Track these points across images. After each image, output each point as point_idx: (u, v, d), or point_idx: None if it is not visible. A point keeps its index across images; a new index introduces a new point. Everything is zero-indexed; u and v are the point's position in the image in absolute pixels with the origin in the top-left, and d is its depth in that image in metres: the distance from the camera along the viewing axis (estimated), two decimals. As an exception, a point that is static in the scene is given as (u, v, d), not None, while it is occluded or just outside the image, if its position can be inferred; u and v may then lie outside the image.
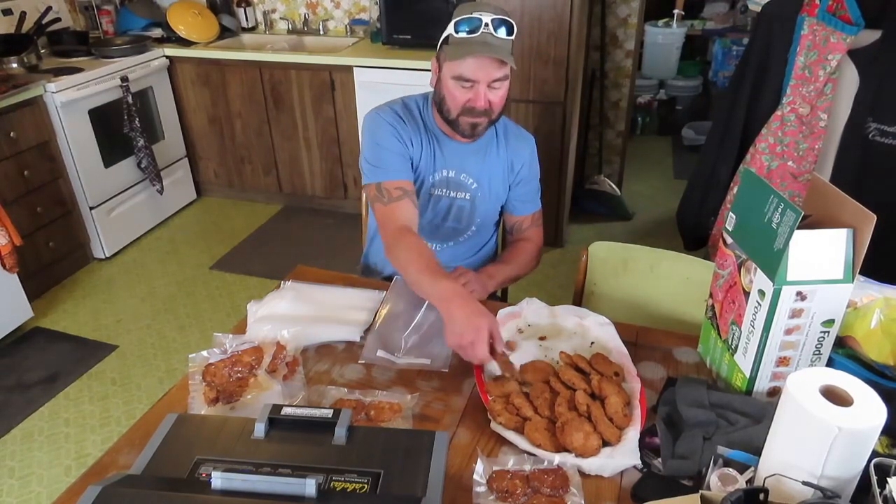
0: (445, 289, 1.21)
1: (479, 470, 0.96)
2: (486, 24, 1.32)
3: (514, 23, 1.36)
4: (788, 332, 1.02)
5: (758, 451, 0.88)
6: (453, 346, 1.17)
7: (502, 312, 1.31)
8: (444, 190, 1.56)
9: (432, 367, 1.22)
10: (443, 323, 1.19)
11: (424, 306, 1.32)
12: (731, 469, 0.89)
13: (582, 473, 0.97)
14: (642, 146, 4.65)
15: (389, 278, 1.51)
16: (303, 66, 3.27)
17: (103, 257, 3.26)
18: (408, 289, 1.34)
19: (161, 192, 3.47)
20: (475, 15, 1.33)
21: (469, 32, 1.33)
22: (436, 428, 1.08)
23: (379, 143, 1.47)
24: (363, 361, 1.24)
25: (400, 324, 1.31)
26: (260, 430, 0.87)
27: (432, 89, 1.48)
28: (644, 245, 1.64)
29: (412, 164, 1.51)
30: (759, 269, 1.01)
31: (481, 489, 0.93)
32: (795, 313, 1.00)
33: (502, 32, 1.33)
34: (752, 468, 0.89)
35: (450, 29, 1.36)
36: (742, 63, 1.98)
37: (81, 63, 3.13)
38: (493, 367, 1.18)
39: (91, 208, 3.12)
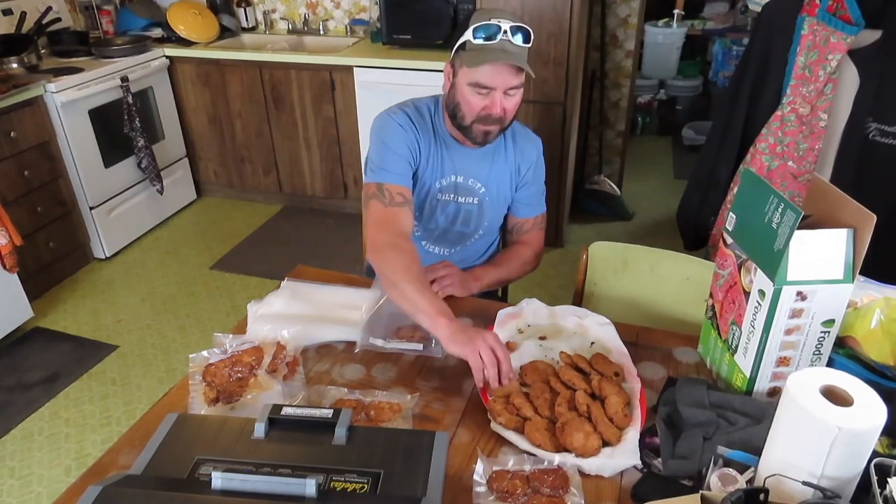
0: (433, 305, 1.20)
1: (479, 470, 0.96)
2: (505, 32, 1.32)
3: (531, 31, 1.35)
4: (788, 332, 1.02)
5: (758, 451, 0.88)
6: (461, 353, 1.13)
7: (502, 313, 1.31)
8: (452, 195, 1.55)
9: (425, 353, 1.26)
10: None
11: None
12: (731, 469, 0.89)
13: (582, 473, 0.97)
14: (642, 146, 4.65)
15: None
16: (303, 66, 3.27)
17: (103, 257, 3.26)
18: None
19: (161, 192, 3.47)
20: (494, 21, 1.33)
21: (487, 39, 1.33)
22: (436, 428, 1.08)
23: (387, 144, 1.45)
24: (358, 350, 1.26)
25: (384, 313, 1.35)
26: (260, 430, 0.87)
27: (444, 93, 1.48)
28: (644, 245, 1.64)
29: (416, 171, 1.50)
30: (759, 269, 1.01)
31: (481, 489, 0.93)
32: (795, 313, 1.00)
33: (519, 40, 1.33)
34: (752, 468, 0.89)
35: (467, 35, 1.35)
36: (742, 63, 1.98)
37: (81, 63, 3.13)
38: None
39: (91, 208, 3.12)
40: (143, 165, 3.33)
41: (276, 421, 0.89)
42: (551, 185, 3.06)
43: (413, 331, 1.31)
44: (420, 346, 1.27)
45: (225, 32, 3.67)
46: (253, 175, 3.74)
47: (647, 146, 4.69)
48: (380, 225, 1.39)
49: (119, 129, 3.18)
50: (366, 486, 0.79)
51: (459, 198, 1.55)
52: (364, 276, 1.74)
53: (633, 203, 3.73)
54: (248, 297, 2.74)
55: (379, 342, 1.28)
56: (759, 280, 1.01)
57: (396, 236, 1.35)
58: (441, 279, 1.39)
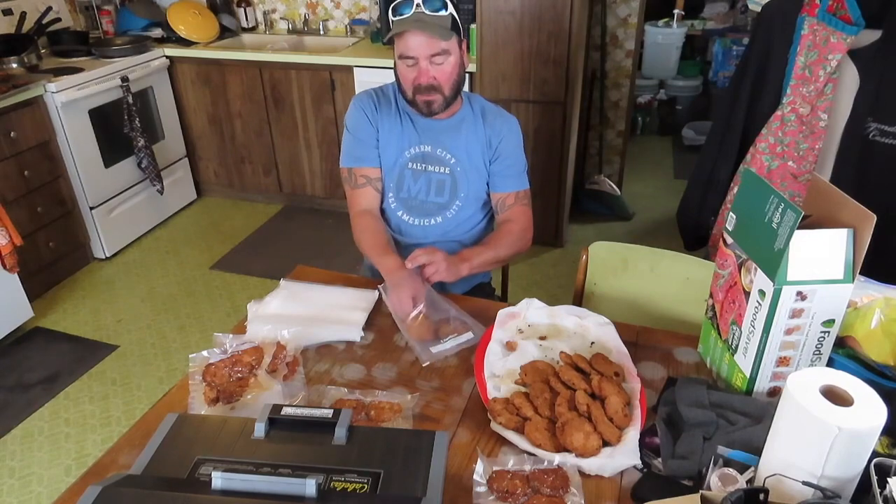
0: (387, 264, 1.44)
1: (479, 470, 0.96)
2: (418, 4, 1.42)
3: (447, 0, 1.45)
4: (789, 332, 1.02)
5: (758, 451, 0.88)
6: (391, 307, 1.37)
7: (502, 312, 1.31)
8: (421, 164, 1.62)
9: (475, 341, 1.28)
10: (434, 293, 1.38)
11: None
12: (731, 469, 0.89)
13: (582, 473, 0.97)
14: (642, 146, 4.65)
15: None
16: (303, 66, 3.27)
17: (103, 257, 3.26)
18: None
19: (161, 192, 3.47)
20: None
21: (402, 13, 1.44)
22: (436, 428, 1.08)
23: (350, 130, 1.62)
24: (426, 364, 1.25)
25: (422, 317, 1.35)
26: (260, 430, 0.87)
27: None
28: (644, 245, 1.64)
29: (380, 145, 1.61)
30: (759, 269, 1.01)
31: (481, 489, 0.94)
32: (795, 313, 1.00)
33: (433, 9, 1.43)
34: (752, 468, 0.89)
35: (390, 13, 1.46)
36: (742, 63, 1.97)
37: (81, 63, 3.13)
38: (495, 367, 1.19)
39: (91, 208, 3.12)
40: (143, 165, 3.33)
41: (276, 421, 0.89)
42: (551, 185, 3.08)
43: (445, 323, 1.33)
44: (472, 335, 1.30)
45: (225, 32, 3.67)
46: (253, 175, 3.74)
47: (647, 146, 4.69)
48: (350, 206, 1.65)
49: (119, 129, 3.18)
50: (366, 486, 0.79)
51: (429, 167, 1.62)
52: (364, 276, 1.74)
53: (633, 203, 3.73)
54: (248, 297, 2.74)
55: (440, 347, 1.28)
56: (759, 280, 1.01)
57: (358, 215, 1.62)
58: (427, 267, 1.40)
